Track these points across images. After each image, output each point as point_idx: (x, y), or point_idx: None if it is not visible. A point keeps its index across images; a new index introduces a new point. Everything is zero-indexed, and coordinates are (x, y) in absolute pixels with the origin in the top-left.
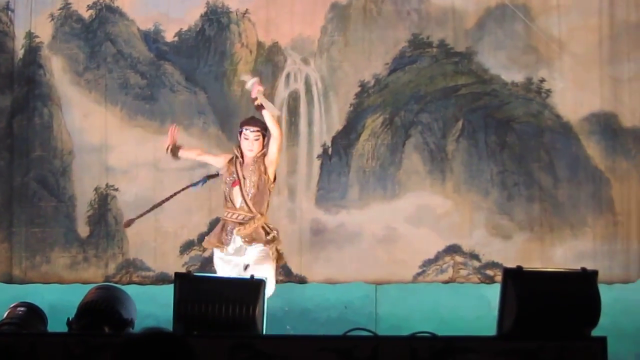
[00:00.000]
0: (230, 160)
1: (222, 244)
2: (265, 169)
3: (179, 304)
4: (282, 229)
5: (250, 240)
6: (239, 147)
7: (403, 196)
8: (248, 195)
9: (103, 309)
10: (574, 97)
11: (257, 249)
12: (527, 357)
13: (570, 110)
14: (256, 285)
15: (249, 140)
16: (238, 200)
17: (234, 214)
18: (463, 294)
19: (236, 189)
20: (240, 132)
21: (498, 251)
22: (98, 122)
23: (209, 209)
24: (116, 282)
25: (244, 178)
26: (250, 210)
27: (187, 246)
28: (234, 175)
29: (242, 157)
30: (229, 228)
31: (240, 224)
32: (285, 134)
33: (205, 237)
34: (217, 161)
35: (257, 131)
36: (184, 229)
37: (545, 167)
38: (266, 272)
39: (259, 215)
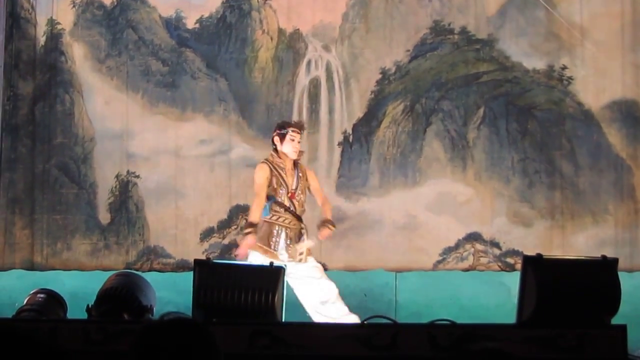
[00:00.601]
0: (271, 172)
1: (269, 248)
2: (305, 174)
3: (198, 291)
4: (303, 216)
5: (308, 252)
6: (276, 150)
7: (424, 184)
8: (300, 201)
9: (122, 296)
10: (595, 85)
11: (311, 264)
12: (547, 344)
13: (592, 97)
14: (276, 272)
15: (295, 141)
16: (288, 204)
17: (280, 217)
18: (483, 282)
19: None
20: (283, 135)
21: (519, 239)
22: (119, 109)
23: (229, 195)
24: (137, 269)
25: (293, 187)
26: (298, 216)
27: (207, 233)
28: (284, 187)
29: (278, 157)
30: (275, 231)
31: (288, 228)
32: (306, 121)
33: (245, 241)
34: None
35: (299, 133)
36: (204, 216)
37: (566, 154)
38: (330, 286)
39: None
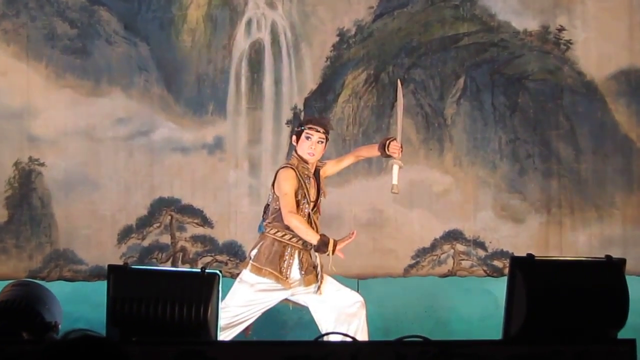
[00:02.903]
0: (298, 181)
1: (280, 274)
2: (322, 186)
3: (113, 303)
4: (242, 211)
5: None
6: (297, 153)
7: (392, 171)
8: (318, 217)
9: (21, 310)
10: (598, 51)
11: (352, 298)
12: None
13: (595, 66)
14: (209, 279)
15: (311, 141)
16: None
17: (294, 236)
18: (465, 290)
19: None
20: (299, 133)
21: (508, 238)
22: (18, 81)
23: (151, 186)
24: (43, 278)
25: (313, 199)
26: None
27: (125, 233)
28: (306, 201)
29: (303, 162)
30: (287, 253)
31: (302, 250)
32: (246, 94)
33: (254, 262)
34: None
35: (323, 133)
36: (122, 212)
37: (564, 135)
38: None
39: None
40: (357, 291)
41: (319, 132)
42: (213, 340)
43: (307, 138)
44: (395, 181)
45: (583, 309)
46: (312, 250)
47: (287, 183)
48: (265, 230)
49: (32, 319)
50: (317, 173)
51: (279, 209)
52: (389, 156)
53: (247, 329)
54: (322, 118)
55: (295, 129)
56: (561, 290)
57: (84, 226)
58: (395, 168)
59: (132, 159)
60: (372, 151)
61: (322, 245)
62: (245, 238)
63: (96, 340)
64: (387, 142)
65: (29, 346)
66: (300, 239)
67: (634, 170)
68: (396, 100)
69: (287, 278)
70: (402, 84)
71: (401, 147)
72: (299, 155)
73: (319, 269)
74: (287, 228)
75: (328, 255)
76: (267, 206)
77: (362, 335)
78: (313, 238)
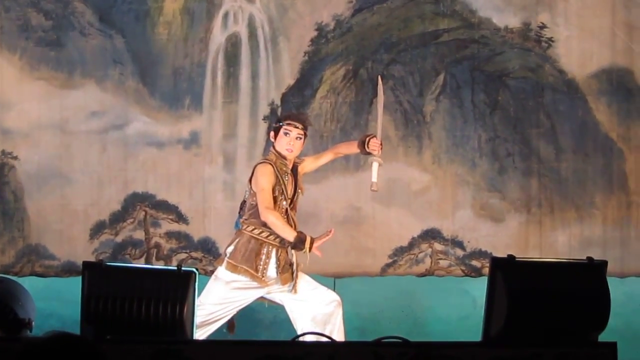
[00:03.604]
0: (276, 177)
1: (256, 272)
2: (300, 183)
3: (88, 301)
4: (217, 207)
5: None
6: (275, 149)
7: (369, 168)
8: (295, 214)
9: None
10: (580, 49)
11: (328, 297)
12: None
13: (577, 64)
14: (185, 277)
15: (290, 137)
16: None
17: (271, 234)
18: (443, 290)
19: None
20: (277, 129)
21: (486, 237)
22: None
23: (125, 181)
24: (15, 273)
25: (291, 196)
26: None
27: (97, 229)
28: (284, 197)
29: (282, 158)
30: (264, 251)
31: (279, 248)
32: (222, 88)
33: (229, 259)
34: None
35: (302, 129)
36: (95, 207)
37: (545, 133)
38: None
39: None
40: (334, 290)
41: (297, 128)
42: (189, 339)
43: (286, 134)
44: (374, 179)
45: (564, 311)
46: (289, 248)
47: (265, 178)
48: (241, 227)
49: (5, 316)
50: (294, 169)
51: (256, 205)
52: (369, 153)
53: (231, 327)
54: (300, 114)
55: (274, 124)
56: (542, 291)
57: (55, 221)
58: (375, 165)
59: (105, 153)
60: (352, 148)
61: (299, 243)
62: (220, 234)
63: (74, 338)
64: (367, 139)
65: (2, 343)
66: (278, 236)
67: (615, 170)
68: (376, 96)
69: (263, 276)
70: (382, 80)
71: (381, 144)
72: (277, 151)
73: (294, 267)
74: (264, 225)
75: (304, 252)
76: (243, 202)
77: (339, 335)
78: (290, 235)
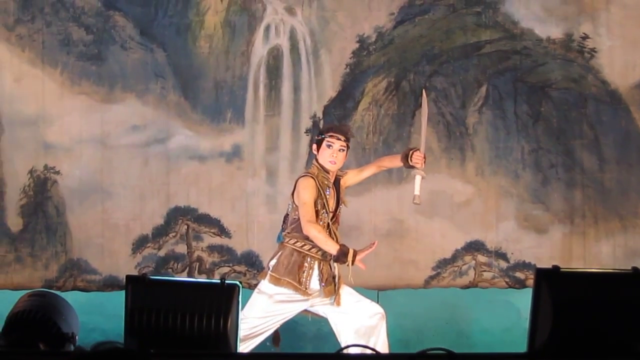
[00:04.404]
0: (317, 190)
1: (299, 284)
2: (342, 196)
3: (131, 315)
4: (259, 220)
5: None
6: (317, 162)
7: (412, 180)
8: (338, 227)
9: (37, 321)
10: (623, 59)
11: (372, 309)
12: None
13: (619, 74)
14: (228, 290)
15: (333, 149)
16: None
17: (314, 247)
18: (487, 302)
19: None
20: (319, 141)
21: (530, 248)
22: (33, 88)
23: (167, 195)
24: (58, 288)
25: (333, 209)
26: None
27: (140, 243)
28: (326, 210)
29: (324, 172)
30: (306, 264)
31: (321, 261)
32: (264, 101)
33: (272, 272)
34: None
35: (344, 141)
36: (137, 221)
37: (588, 144)
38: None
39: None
40: (377, 302)
41: (340, 140)
42: (233, 352)
43: (329, 146)
44: (417, 192)
45: (610, 321)
46: (332, 261)
47: (307, 192)
48: (284, 240)
49: (49, 329)
50: (337, 182)
51: (298, 218)
52: (412, 167)
53: (276, 340)
54: (342, 125)
55: (316, 137)
56: (587, 302)
57: (96, 235)
58: (418, 178)
59: (147, 167)
60: (395, 162)
61: (342, 256)
62: (263, 248)
63: (126, 352)
64: (410, 152)
65: (45, 357)
66: (320, 249)
67: None
68: (418, 108)
69: (306, 289)
70: (426, 93)
71: (424, 157)
72: (319, 164)
73: (337, 279)
74: (307, 238)
75: (348, 265)
76: (286, 216)
77: (383, 348)
78: (332, 248)
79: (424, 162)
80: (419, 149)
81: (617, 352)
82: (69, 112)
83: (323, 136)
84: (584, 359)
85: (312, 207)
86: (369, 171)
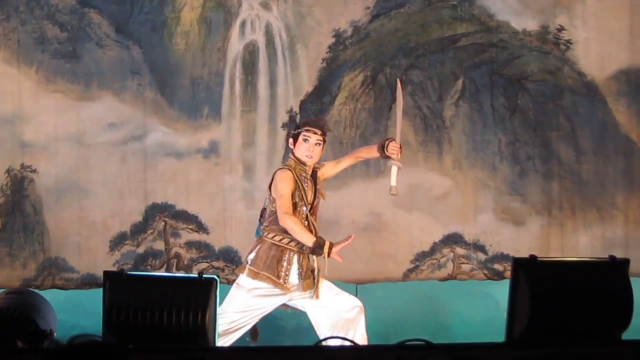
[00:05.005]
0: (295, 182)
1: (278, 278)
2: (320, 188)
3: (109, 311)
4: (237, 215)
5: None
6: (294, 155)
7: (390, 174)
8: (316, 220)
9: (15, 319)
10: (599, 50)
11: (350, 303)
12: None
13: (595, 66)
14: (206, 285)
15: (309, 143)
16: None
17: (292, 240)
18: (466, 294)
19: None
20: (295, 135)
21: (508, 240)
22: (9, 86)
23: (145, 192)
24: (37, 287)
25: (311, 201)
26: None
27: (118, 240)
28: (304, 203)
29: (301, 164)
30: (285, 257)
31: (301, 254)
32: (241, 97)
33: (251, 266)
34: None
35: (321, 135)
36: (115, 219)
37: (565, 136)
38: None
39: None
40: (356, 296)
41: (316, 134)
42: (211, 346)
43: (305, 140)
44: (393, 182)
45: (587, 310)
46: (310, 254)
47: (284, 184)
48: (262, 234)
49: (27, 327)
50: (314, 175)
51: (276, 211)
52: (388, 157)
53: (254, 335)
54: (319, 119)
55: (292, 131)
56: (565, 291)
57: (74, 233)
58: (394, 169)
59: (124, 164)
60: (372, 152)
61: (318, 248)
62: (241, 243)
63: (102, 344)
64: (386, 142)
65: (23, 355)
66: (299, 242)
67: (635, 171)
68: (395, 100)
69: (285, 283)
70: (401, 84)
71: (400, 147)
72: (296, 158)
73: (316, 273)
74: (285, 232)
75: (324, 257)
76: (263, 210)
77: (361, 340)
78: (308, 240)
79: (400, 152)
80: (394, 139)
81: (594, 340)
82: (45, 111)
83: (299, 130)
84: (562, 348)
85: (289, 199)
86: (345, 162)
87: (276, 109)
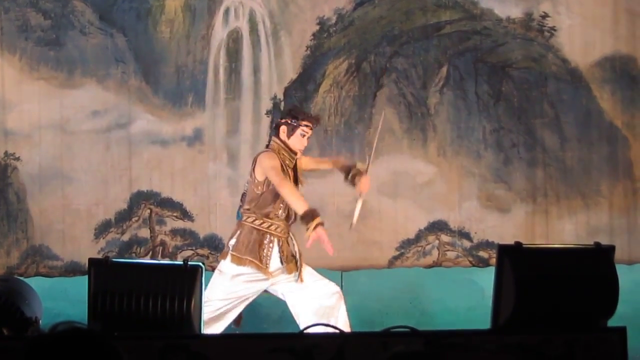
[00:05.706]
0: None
1: (260, 262)
2: (300, 176)
3: (94, 298)
4: (222, 203)
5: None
6: (281, 141)
7: (375, 161)
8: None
9: (0, 306)
10: (583, 37)
11: (329, 289)
12: (529, 353)
13: (579, 53)
14: (191, 272)
15: (306, 137)
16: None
17: (273, 224)
18: (451, 281)
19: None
20: (293, 127)
21: (493, 228)
22: None
23: (129, 179)
24: (21, 274)
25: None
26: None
27: (103, 228)
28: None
29: (289, 151)
30: (266, 241)
31: (280, 237)
32: (225, 84)
33: (233, 252)
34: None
35: (311, 129)
36: (99, 207)
37: (549, 123)
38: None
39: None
40: (341, 283)
41: (312, 130)
42: (196, 333)
43: (303, 135)
44: (355, 219)
45: (572, 296)
46: (290, 239)
47: (274, 161)
48: (242, 217)
49: (12, 314)
50: (295, 164)
51: (259, 195)
52: (353, 184)
53: (238, 320)
54: (317, 116)
55: (288, 121)
56: (550, 278)
57: (57, 221)
58: (360, 203)
59: (109, 152)
60: (345, 170)
61: (308, 217)
62: (226, 231)
63: (85, 332)
64: (356, 175)
65: (9, 342)
66: (279, 226)
67: (620, 158)
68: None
69: (267, 267)
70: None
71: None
72: (288, 147)
73: (297, 256)
74: (266, 216)
75: (308, 229)
76: (244, 194)
77: (344, 327)
78: (301, 207)
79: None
80: (366, 174)
81: (579, 326)
82: (29, 98)
83: (297, 123)
84: (547, 334)
85: (280, 170)
86: (324, 165)
87: (260, 97)
